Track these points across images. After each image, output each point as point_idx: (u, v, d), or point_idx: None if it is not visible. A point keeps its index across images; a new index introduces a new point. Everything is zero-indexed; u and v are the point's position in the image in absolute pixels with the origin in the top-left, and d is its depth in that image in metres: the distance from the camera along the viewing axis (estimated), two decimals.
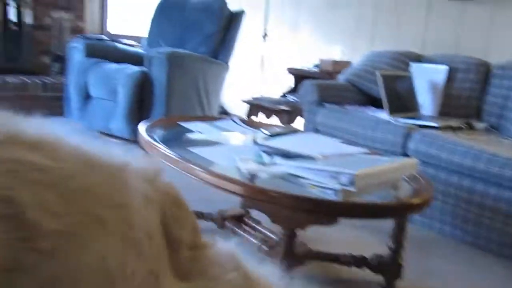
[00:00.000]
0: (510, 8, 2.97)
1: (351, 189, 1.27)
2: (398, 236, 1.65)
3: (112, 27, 5.04)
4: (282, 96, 3.81)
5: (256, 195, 1.30)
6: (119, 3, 5.08)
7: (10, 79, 4.04)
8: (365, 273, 1.75)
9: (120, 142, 3.49)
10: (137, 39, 4.78)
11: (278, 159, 1.57)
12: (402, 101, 2.80)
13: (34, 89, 4.11)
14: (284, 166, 1.48)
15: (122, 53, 3.97)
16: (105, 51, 3.83)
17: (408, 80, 2.90)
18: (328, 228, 1.95)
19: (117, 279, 0.44)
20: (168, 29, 4.02)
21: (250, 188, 1.34)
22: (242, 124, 2.19)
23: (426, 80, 2.88)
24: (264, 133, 2.00)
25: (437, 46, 3.27)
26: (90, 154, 0.50)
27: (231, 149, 1.82)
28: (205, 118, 2.49)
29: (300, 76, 3.79)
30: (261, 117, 3.59)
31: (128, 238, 0.47)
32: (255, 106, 3.64)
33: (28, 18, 4.37)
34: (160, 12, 4.12)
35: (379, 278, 1.73)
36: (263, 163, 1.54)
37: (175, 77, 3.35)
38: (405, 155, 2.42)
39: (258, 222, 2.03)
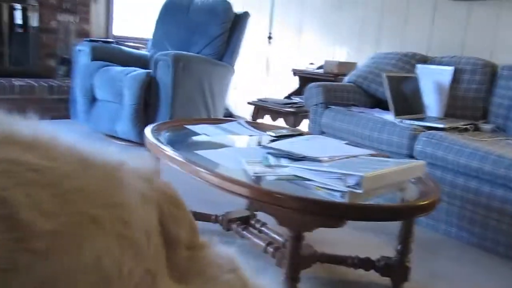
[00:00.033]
0: None
1: (358, 191, 1.27)
2: (405, 238, 1.65)
3: (118, 29, 5.06)
4: (287, 98, 3.81)
5: (263, 197, 1.30)
6: (124, 5, 5.10)
7: (17, 82, 4.06)
8: (372, 276, 1.75)
9: (126, 144, 3.50)
10: (142, 41, 4.81)
11: (284, 161, 1.58)
12: (408, 102, 2.79)
13: (40, 92, 4.13)
14: (290, 168, 1.48)
15: (128, 55, 3.99)
16: (110, 53, 3.85)
17: (414, 82, 2.89)
18: (334, 230, 1.95)
19: (113, 278, 0.44)
20: (173, 32, 4.04)
21: (257, 190, 1.34)
22: (248, 126, 2.19)
23: (432, 82, 2.88)
24: (270, 135, 2.01)
25: (442, 47, 3.26)
26: (86, 154, 0.50)
27: (237, 151, 1.82)
28: (211, 120, 2.49)
29: (305, 77, 3.80)
30: (266, 119, 3.59)
31: (124, 237, 0.46)
32: (260, 108, 3.64)
33: (34, 22, 4.40)
34: (165, 14, 4.13)
35: (386, 280, 1.73)
36: (269, 165, 1.54)
37: (181, 80, 3.36)
38: (411, 157, 2.42)
39: (264, 224, 2.03)
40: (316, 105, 2.97)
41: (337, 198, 1.29)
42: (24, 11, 4.36)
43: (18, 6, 4.33)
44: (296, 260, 1.34)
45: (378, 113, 2.78)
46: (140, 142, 3.37)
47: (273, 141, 1.90)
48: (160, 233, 0.56)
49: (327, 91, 2.94)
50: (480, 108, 2.79)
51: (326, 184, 1.34)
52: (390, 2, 3.61)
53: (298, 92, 3.78)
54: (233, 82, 4.06)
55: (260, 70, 4.45)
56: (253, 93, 4.40)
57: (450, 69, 2.85)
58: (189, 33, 3.94)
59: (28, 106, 4.00)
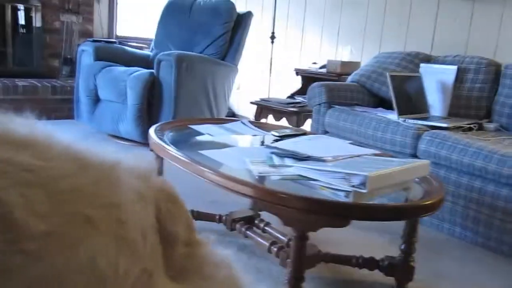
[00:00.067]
0: None
1: (363, 190, 1.27)
2: (409, 238, 1.64)
3: (121, 29, 5.07)
4: (290, 98, 3.81)
5: (267, 197, 1.30)
6: (127, 5, 5.11)
7: (20, 82, 4.08)
8: (376, 275, 1.75)
9: (129, 144, 3.51)
10: (145, 41, 4.81)
11: (288, 161, 1.58)
12: (412, 102, 2.79)
13: (43, 92, 4.14)
14: (294, 168, 1.48)
15: (131, 55, 4.00)
16: (113, 54, 3.86)
17: (417, 81, 2.89)
18: (338, 230, 1.95)
19: (109, 278, 0.44)
20: (175, 32, 4.04)
21: (261, 190, 1.34)
22: (252, 126, 2.19)
23: (436, 81, 2.87)
24: (274, 135, 2.01)
25: (446, 46, 3.25)
26: (81, 154, 0.50)
27: (241, 151, 1.83)
28: (215, 120, 2.50)
29: (307, 77, 3.80)
30: (269, 119, 3.59)
31: (120, 237, 0.46)
32: (263, 108, 3.64)
33: (37, 22, 4.41)
34: (167, 14, 4.14)
35: (390, 280, 1.73)
36: (273, 165, 1.55)
37: (184, 80, 3.36)
38: (415, 156, 2.42)
39: (267, 224, 2.03)
40: (319, 104, 2.97)
41: (341, 197, 1.29)
42: (27, 11, 4.37)
43: (21, 6, 4.34)
44: (300, 260, 1.34)
45: (381, 113, 2.78)
46: (143, 142, 3.38)
47: (277, 141, 1.90)
48: (157, 231, 0.56)
49: (330, 91, 2.94)
50: (484, 107, 2.78)
51: (330, 183, 1.34)
52: (393, 1, 3.61)
53: (301, 92, 3.78)
54: (236, 82, 4.06)
55: (263, 69, 4.45)
56: (256, 93, 4.40)
57: (453, 68, 2.84)
58: (191, 33, 3.94)
59: (32, 106, 4.01)
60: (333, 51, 4.05)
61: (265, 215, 2.05)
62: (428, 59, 3.06)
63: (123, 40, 4.63)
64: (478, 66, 2.80)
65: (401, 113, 2.65)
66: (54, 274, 0.41)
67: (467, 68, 2.84)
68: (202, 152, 1.68)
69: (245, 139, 2.04)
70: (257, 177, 1.44)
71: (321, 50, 4.15)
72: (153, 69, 3.43)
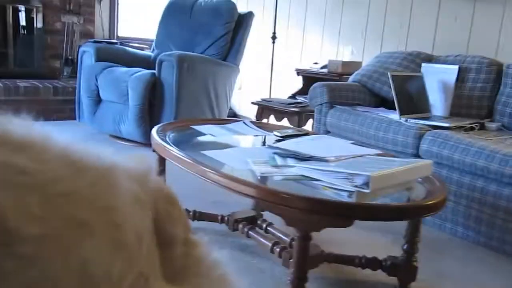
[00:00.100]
0: None
1: (366, 190, 1.27)
2: (412, 238, 1.64)
3: (122, 30, 5.07)
4: (291, 98, 3.81)
5: (270, 198, 1.30)
6: (128, 6, 5.11)
7: (22, 83, 4.08)
8: (379, 275, 1.75)
9: (131, 145, 3.51)
10: (146, 42, 4.81)
11: (291, 161, 1.58)
12: (413, 101, 2.79)
13: (45, 93, 4.14)
14: (297, 168, 1.48)
15: (132, 56, 4.00)
16: (115, 54, 3.86)
17: (419, 81, 2.89)
18: (341, 230, 1.95)
19: (102, 283, 0.43)
20: (176, 32, 4.04)
21: (264, 190, 1.34)
22: (254, 127, 2.19)
23: (437, 81, 2.87)
24: (276, 135, 2.01)
25: (447, 46, 3.25)
26: (78, 156, 0.49)
27: (244, 151, 1.83)
28: (217, 120, 2.50)
29: (309, 77, 3.79)
30: (271, 119, 3.59)
31: (115, 241, 0.46)
32: (265, 108, 3.64)
33: (38, 23, 4.41)
34: (168, 15, 4.14)
35: (393, 280, 1.73)
36: (276, 166, 1.55)
37: (185, 80, 3.36)
38: (417, 156, 2.42)
39: (270, 224, 2.03)
40: (320, 104, 2.97)
41: (344, 198, 1.29)
42: (28, 12, 4.38)
43: (22, 7, 4.35)
44: (303, 260, 1.34)
45: (383, 112, 2.78)
46: (144, 142, 3.38)
47: (279, 141, 1.90)
48: (154, 234, 0.55)
49: (332, 91, 2.94)
50: (485, 106, 2.78)
51: (333, 184, 1.34)
52: (394, 1, 3.61)
53: (302, 92, 3.78)
54: (237, 82, 4.06)
55: (264, 70, 4.45)
56: (257, 93, 4.40)
57: (455, 68, 2.84)
58: (192, 33, 3.94)
59: (33, 107, 4.02)
60: (334, 51, 4.05)
61: (267, 215, 2.05)
62: (430, 59, 3.06)
63: (124, 41, 4.64)
64: (479, 65, 2.80)
65: (402, 113, 2.65)
66: (47, 278, 0.40)
67: (468, 67, 2.83)
68: (205, 152, 1.69)
69: (247, 140, 2.05)
70: (259, 178, 1.44)
71: (322, 50, 4.16)
72: (154, 69, 3.43)
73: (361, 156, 1.64)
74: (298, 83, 3.96)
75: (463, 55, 2.94)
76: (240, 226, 1.99)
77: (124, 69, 3.58)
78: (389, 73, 2.73)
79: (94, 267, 0.43)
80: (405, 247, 1.67)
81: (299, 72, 3.93)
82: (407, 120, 2.59)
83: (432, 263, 1.96)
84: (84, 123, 3.81)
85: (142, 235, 0.50)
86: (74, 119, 3.95)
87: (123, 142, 3.57)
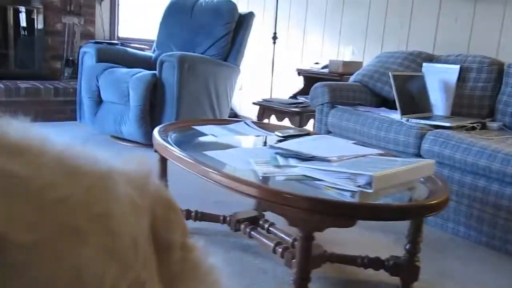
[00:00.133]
0: None
1: (369, 190, 1.27)
2: (414, 238, 1.64)
3: (123, 31, 5.07)
4: (292, 98, 3.81)
5: (273, 198, 1.30)
6: (129, 7, 5.11)
7: (22, 84, 4.08)
8: (382, 275, 1.75)
9: (132, 145, 3.51)
10: (147, 42, 4.82)
11: (293, 162, 1.58)
12: (415, 101, 2.79)
13: (46, 94, 4.14)
14: (299, 169, 1.48)
15: (133, 57, 4.00)
16: (116, 55, 3.86)
17: (420, 80, 2.88)
18: (343, 230, 1.95)
19: None
20: (177, 33, 4.04)
21: (267, 190, 1.34)
22: (255, 127, 2.20)
23: (438, 80, 2.87)
24: (277, 136, 2.01)
25: (448, 45, 3.25)
26: (74, 161, 0.49)
27: (245, 151, 1.83)
28: (218, 121, 2.50)
29: (309, 77, 3.80)
30: (272, 120, 3.59)
31: (109, 247, 0.45)
32: (266, 108, 3.64)
33: (39, 24, 4.42)
34: (169, 15, 4.14)
35: (395, 280, 1.73)
36: (278, 166, 1.55)
37: (186, 80, 3.36)
38: (419, 156, 2.41)
39: (272, 225, 2.03)
40: (322, 104, 2.97)
41: (347, 198, 1.29)
42: (29, 13, 4.38)
43: (23, 8, 4.35)
44: (306, 260, 1.34)
45: (384, 112, 2.78)
46: (145, 143, 3.38)
47: (280, 141, 1.90)
48: (152, 239, 0.55)
49: (333, 91, 2.94)
50: (487, 106, 2.78)
51: (336, 184, 1.34)
52: (395, 1, 3.61)
53: (303, 92, 3.78)
54: (238, 82, 4.06)
55: (265, 70, 4.45)
56: (258, 93, 4.40)
57: (456, 67, 2.84)
58: (193, 33, 3.94)
59: (34, 108, 4.02)
60: (335, 51, 4.05)
61: (269, 215, 2.05)
62: (431, 59, 3.06)
63: (125, 42, 4.64)
64: (480, 65, 2.80)
65: (404, 112, 2.65)
66: (38, 287, 0.40)
67: (469, 67, 2.83)
68: (206, 153, 1.69)
69: (249, 140, 2.05)
70: (262, 178, 1.44)
71: (323, 50, 4.16)
72: (155, 70, 3.43)
73: (363, 156, 1.64)
74: (299, 83, 3.96)
75: (464, 55, 2.93)
76: (242, 226, 1.99)
77: (125, 69, 3.58)
78: (390, 73, 2.73)
79: (87, 275, 0.42)
80: (407, 247, 1.67)
81: (300, 72, 3.93)
82: (408, 120, 2.59)
83: (434, 263, 1.96)
84: (85, 124, 3.81)
85: (138, 241, 0.49)
86: (75, 120, 3.95)
87: (124, 143, 3.57)
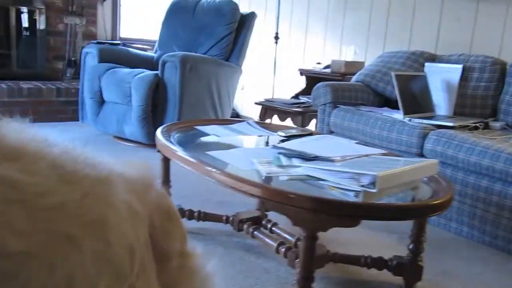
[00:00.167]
0: None
1: (372, 190, 1.27)
2: (417, 238, 1.64)
3: (124, 31, 5.08)
4: (294, 98, 3.81)
5: (276, 198, 1.30)
6: (131, 7, 5.12)
7: (25, 85, 4.09)
8: (385, 275, 1.74)
9: (134, 145, 3.51)
10: (149, 43, 4.82)
11: (296, 161, 1.57)
12: (417, 101, 2.79)
13: (48, 94, 4.15)
14: (303, 168, 1.48)
15: (135, 57, 4.00)
16: (118, 55, 3.86)
17: (422, 80, 2.88)
18: (346, 230, 1.95)
19: None
20: (179, 33, 4.05)
21: (271, 190, 1.34)
22: (258, 127, 2.19)
23: (441, 80, 2.87)
24: (281, 135, 2.01)
25: (450, 45, 3.25)
26: (71, 166, 0.48)
27: (248, 151, 1.83)
28: (221, 121, 2.50)
29: (312, 77, 3.79)
30: (274, 119, 3.59)
31: (103, 255, 0.45)
32: (268, 108, 3.64)
33: (41, 25, 4.42)
34: (171, 16, 4.14)
35: (399, 280, 1.72)
36: (281, 166, 1.54)
37: (188, 81, 3.36)
38: (421, 155, 2.41)
39: (275, 224, 2.03)
40: (324, 104, 2.97)
41: (351, 197, 1.29)
42: (31, 14, 4.39)
43: (25, 9, 4.35)
44: (310, 260, 1.34)
45: (387, 112, 2.78)
46: (148, 143, 3.39)
47: (283, 141, 1.90)
48: (150, 247, 0.54)
49: (335, 91, 2.94)
50: (489, 105, 2.77)
51: (339, 183, 1.34)
52: (397, 1, 3.60)
53: (305, 92, 3.78)
54: (240, 82, 4.06)
55: (267, 70, 4.45)
56: (260, 93, 4.40)
57: (459, 67, 2.84)
58: (195, 34, 3.95)
59: (36, 108, 4.03)
60: (337, 51, 4.05)
61: (272, 215, 2.05)
62: (433, 58, 3.06)
63: (127, 42, 4.64)
64: (483, 64, 2.80)
65: (406, 112, 2.64)
66: None
67: (472, 66, 2.83)
68: (209, 153, 1.69)
69: (252, 140, 2.05)
70: (265, 178, 1.44)
71: (325, 50, 4.15)
72: (157, 70, 3.43)
73: (366, 155, 1.64)
74: (301, 83, 3.96)
75: (467, 54, 2.93)
76: (245, 226, 1.99)
77: (127, 70, 3.59)
78: (392, 73, 2.73)
79: (79, 283, 0.42)
80: (410, 246, 1.67)
81: (302, 72, 3.93)
82: (411, 119, 2.59)
83: (437, 263, 1.96)
84: (87, 124, 3.82)
85: (135, 250, 0.49)
86: (77, 120, 3.96)
87: (127, 143, 3.57)
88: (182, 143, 1.81)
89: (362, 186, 1.29)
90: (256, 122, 2.28)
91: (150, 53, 4.23)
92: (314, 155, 1.58)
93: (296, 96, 3.83)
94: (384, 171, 1.31)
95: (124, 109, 3.48)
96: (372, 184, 1.27)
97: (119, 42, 4.42)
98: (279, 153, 1.67)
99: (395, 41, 3.61)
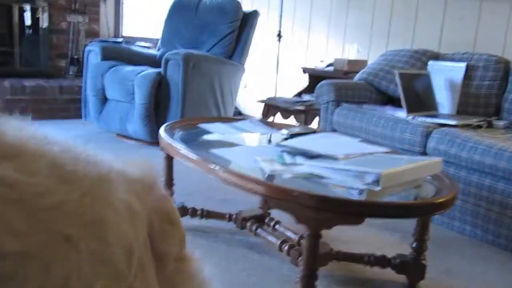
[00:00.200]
0: None
1: (376, 188, 1.27)
2: (420, 236, 1.64)
3: (127, 29, 5.08)
4: (297, 96, 3.81)
5: (280, 195, 1.30)
6: (133, 5, 5.12)
7: (28, 82, 4.09)
8: (388, 273, 1.74)
9: (137, 143, 3.52)
10: (152, 41, 4.82)
11: (299, 159, 1.57)
12: (420, 99, 2.78)
13: (51, 92, 4.16)
14: (306, 166, 1.48)
15: (138, 55, 4.01)
16: (120, 53, 3.87)
17: (426, 79, 2.88)
18: (349, 228, 1.95)
19: None
20: (182, 31, 4.04)
21: (275, 188, 1.34)
22: (261, 125, 2.19)
23: (444, 78, 2.86)
24: (284, 134, 2.01)
25: (454, 44, 3.24)
26: (70, 165, 0.47)
27: (252, 149, 1.83)
28: (224, 119, 2.50)
29: (314, 75, 3.79)
30: (277, 118, 3.59)
31: (100, 255, 0.44)
32: (271, 107, 3.64)
33: (44, 23, 4.42)
34: (173, 14, 4.14)
35: (402, 278, 1.72)
36: (285, 164, 1.54)
37: (191, 79, 3.36)
38: (425, 154, 2.41)
39: (278, 223, 2.03)
40: (327, 102, 2.96)
41: (354, 195, 1.29)
42: (34, 12, 4.39)
43: (27, 7, 4.36)
44: (313, 258, 1.34)
45: (390, 110, 2.78)
46: (150, 141, 3.39)
47: (286, 139, 1.90)
48: (149, 247, 0.54)
49: (338, 89, 2.94)
50: (493, 104, 2.77)
51: (343, 181, 1.34)
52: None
53: (308, 90, 3.78)
54: (243, 80, 4.06)
55: (270, 68, 4.45)
56: (263, 92, 4.40)
57: (462, 65, 2.83)
58: (198, 32, 3.94)
59: (39, 106, 4.03)
60: (339, 49, 4.05)
61: (275, 213, 2.05)
62: (436, 57, 3.05)
63: (129, 40, 4.64)
64: (487, 63, 2.79)
65: (409, 110, 2.64)
66: None
67: (475, 65, 2.82)
68: (213, 150, 1.69)
69: (255, 138, 2.05)
70: (268, 175, 1.44)
71: (328, 49, 4.15)
72: (160, 68, 3.44)
73: (370, 154, 1.64)
74: (303, 81, 3.96)
75: (470, 53, 2.92)
76: (248, 224, 1.99)
77: (130, 68, 3.59)
78: (396, 71, 2.73)
79: (75, 283, 0.42)
80: (414, 245, 1.66)
81: (305, 70, 3.93)
82: (414, 118, 2.59)
83: (440, 261, 1.96)
84: (90, 122, 3.82)
85: (133, 250, 0.49)
86: (80, 118, 3.96)
87: (129, 141, 3.57)
88: (185, 141, 1.81)
89: (366, 184, 1.29)
90: (260, 120, 2.28)
91: (152, 51, 4.24)
92: (317, 153, 1.58)
93: (299, 95, 3.83)
94: (388, 169, 1.31)
95: (127, 107, 3.49)
96: (376, 182, 1.27)
97: (121, 40, 4.42)
98: (283, 151, 1.67)
99: (398, 40, 3.60)
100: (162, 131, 1.88)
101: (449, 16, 3.30)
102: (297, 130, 2.07)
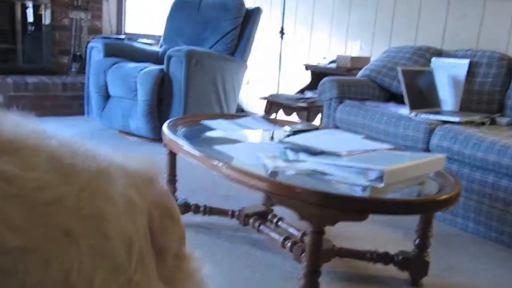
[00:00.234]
0: None
1: (379, 185, 1.27)
2: (423, 233, 1.64)
3: (129, 26, 5.08)
4: (299, 93, 3.81)
5: (284, 192, 1.30)
6: (135, 2, 5.11)
7: (30, 79, 4.10)
8: (391, 270, 1.75)
9: (139, 140, 3.52)
10: (154, 37, 4.82)
11: (302, 156, 1.57)
12: (423, 96, 2.78)
13: (54, 89, 4.16)
14: (309, 163, 1.48)
15: (140, 52, 4.01)
16: (123, 50, 3.86)
17: (429, 75, 2.87)
18: (352, 225, 1.95)
19: None
20: (184, 27, 4.04)
21: (278, 184, 1.34)
22: (264, 121, 2.19)
23: (447, 75, 2.85)
24: (287, 130, 2.01)
25: (457, 40, 3.23)
26: (69, 159, 0.47)
27: (255, 146, 1.83)
28: (227, 116, 2.50)
29: (317, 72, 3.79)
30: (279, 115, 3.59)
31: (100, 249, 0.45)
32: (273, 103, 3.64)
33: (46, 19, 4.43)
34: (176, 10, 4.14)
35: (405, 275, 1.73)
36: (288, 160, 1.54)
37: (193, 75, 3.36)
38: (427, 151, 2.41)
39: (280, 219, 2.03)
40: (330, 99, 2.96)
41: (358, 192, 1.29)
42: (36, 9, 4.40)
43: (30, 4, 4.36)
44: (317, 254, 1.34)
45: (393, 107, 2.77)
46: (153, 137, 3.39)
47: (289, 135, 1.90)
48: (149, 240, 0.54)
49: (341, 86, 2.93)
50: (496, 101, 2.76)
51: (346, 178, 1.34)
52: None
53: (310, 87, 3.77)
54: (245, 77, 4.06)
55: (272, 65, 4.44)
56: (265, 89, 4.39)
57: (465, 62, 2.82)
58: (200, 28, 3.94)
59: (42, 103, 4.04)
60: (342, 46, 4.04)
61: (277, 210, 2.05)
62: (439, 53, 3.04)
63: (132, 37, 4.64)
64: (490, 60, 2.78)
65: (412, 107, 2.63)
66: None
67: (479, 62, 2.81)
68: (216, 147, 1.69)
69: (258, 134, 2.04)
70: (271, 172, 1.44)
71: (331, 45, 4.14)
72: (162, 65, 3.44)
73: (373, 150, 1.64)
74: (306, 78, 3.95)
75: (474, 50, 2.91)
76: (251, 221, 1.99)
77: (132, 64, 3.59)
78: (399, 68, 2.72)
79: (75, 277, 0.42)
80: (417, 242, 1.67)
81: (307, 67, 3.92)
82: (417, 114, 2.58)
83: (443, 258, 1.96)
84: (93, 118, 3.83)
85: (133, 243, 0.49)
86: (83, 114, 3.97)
87: (132, 138, 3.58)
88: (188, 138, 1.81)
89: (369, 180, 1.29)
90: (262, 117, 2.28)
91: (155, 48, 4.23)
92: (320, 150, 1.58)
93: (302, 91, 3.82)
94: (391, 166, 1.31)
95: (129, 103, 3.49)
96: (379, 178, 1.27)
97: (124, 36, 4.42)
98: (286, 147, 1.67)
99: (401, 36, 3.59)
100: (165, 127, 1.88)
101: (452, 14, 3.29)
102: (299, 126, 2.07)
